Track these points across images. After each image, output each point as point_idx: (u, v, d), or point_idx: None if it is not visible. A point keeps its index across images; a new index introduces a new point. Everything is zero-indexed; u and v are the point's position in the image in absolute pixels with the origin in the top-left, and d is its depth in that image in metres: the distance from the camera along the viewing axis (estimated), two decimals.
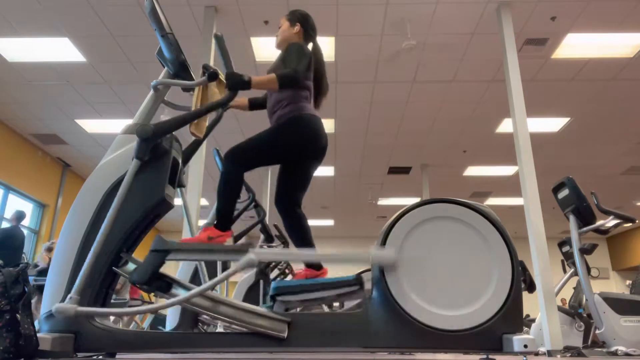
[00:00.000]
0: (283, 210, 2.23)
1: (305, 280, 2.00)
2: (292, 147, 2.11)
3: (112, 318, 3.95)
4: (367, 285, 1.93)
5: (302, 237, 2.19)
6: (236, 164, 2.02)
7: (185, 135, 7.53)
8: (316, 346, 1.73)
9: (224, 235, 1.94)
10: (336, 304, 4.90)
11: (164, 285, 1.77)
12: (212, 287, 1.72)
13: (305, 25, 2.39)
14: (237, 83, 1.89)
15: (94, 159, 9.46)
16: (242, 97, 2.55)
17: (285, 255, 2.00)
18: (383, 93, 7.05)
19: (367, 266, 1.81)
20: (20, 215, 6.18)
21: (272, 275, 4.63)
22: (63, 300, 1.70)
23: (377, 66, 6.40)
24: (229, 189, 2.01)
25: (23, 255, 6.02)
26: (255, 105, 2.51)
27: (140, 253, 1.62)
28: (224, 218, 1.98)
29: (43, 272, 5.39)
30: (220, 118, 2.45)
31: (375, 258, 1.74)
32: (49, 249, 6.04)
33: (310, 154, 2.18)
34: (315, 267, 2.15)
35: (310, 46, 2.38)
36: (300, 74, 2.07)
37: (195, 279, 3.52)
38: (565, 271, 4.61)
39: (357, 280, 1.90)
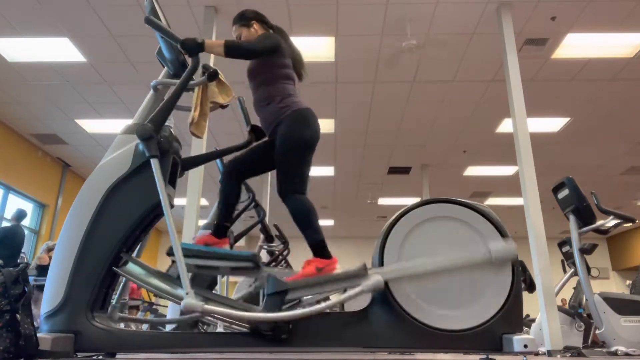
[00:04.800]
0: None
1: (202, 246, 1.97)
2: (312, 143, 2.10)
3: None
4: (264, 269, 1.91)
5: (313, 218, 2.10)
6: (301, 194, 2.00)
7: (185, 135, 7.53)
8: (316, 346, 1.73)
9: (331, 262, 1.91)
10: (325, 303, 4.88)
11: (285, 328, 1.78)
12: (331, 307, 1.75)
13: (260, 18, 2.40)
14: (192, 46, 1.90)
15: (94, 159, 9.45)
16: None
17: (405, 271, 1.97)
18: (383, 93, 7.05)
19: (370, 248, 1.81)
20: (20, 215, 6.17)
21: None
22: (63, 299, 1.70)
23: (377, 66, 6.39)
24: (313, 218, 1.97)
25: (23, 255, 6.01)
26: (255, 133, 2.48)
27: (145, 256, 1.62)
28: (321, 247, 1.94)
29: (43, 271, 5.39)
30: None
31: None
32: (50, 249, 6.04)
33: (315, 146, 2.19)
34: (217, 235, 2.10)
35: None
36: (254, 48, 2.06)
37: (195, 280, 3.52)
38: (565, 271, 4.61)
39: (252, 257, 1.87)
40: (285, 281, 1.78)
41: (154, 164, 1.80)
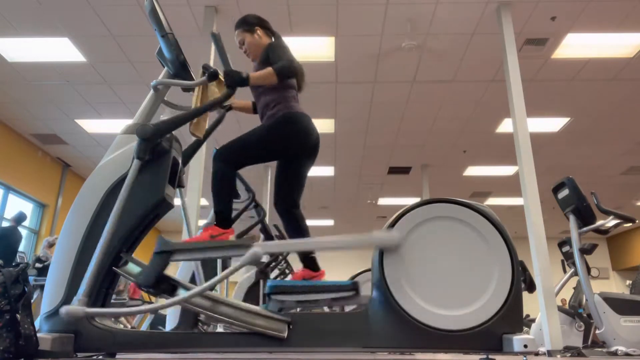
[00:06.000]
0: (282, 212, 2.24)
1: (301, 281, 1.99)
2: (281, 144, 2.11)
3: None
4: (363, 291, 1.92)
5: (301, 237, 2.19)
6: (226, 163, 2.02)
7: (185, 136, 7.53)
8: (316, 346, 1.73)
9: (226, 232, 1.94)
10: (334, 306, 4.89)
11: (169, 287, 1.76)
12: (214, 286, 1.72)
13: (263, 24, 2.40)
14: (235, 80, 1.89)
15: (94, 159, 9.45)
16: (247, 100, 2.55)
17: (288, 246, 1.97)
18: (383, 93, 7.05)
19: (369, 249, 1.80)
20: (20, 217, 6.17)
21: (272, 275, 4.63)
22: (63, 299, 1.70)
23: (377, 66, 6.40)
24: (222, 189, 2.00)
25: (23, 255, 6.01)
26: None
27: (141, 253, 1.62)
28: (222, 217, 1.98)
29: (44, 269, 5.38)
30: (222, 118, 2.45)
31: (378, 241, 1.74)
32: (50, 245, 6.05)
33: (301, 151, 2.19)
34: (312, 268, 2.15)
35: None
36: (295, 64, 2.08)
37: (195, 280, 3.52)
38: (565, 271, 4.61)
39: (353, 285, 1.89)
40: (174, 242, 1.78)
41: (135, 165, 1.82)
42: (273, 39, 2.39)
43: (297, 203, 2.25)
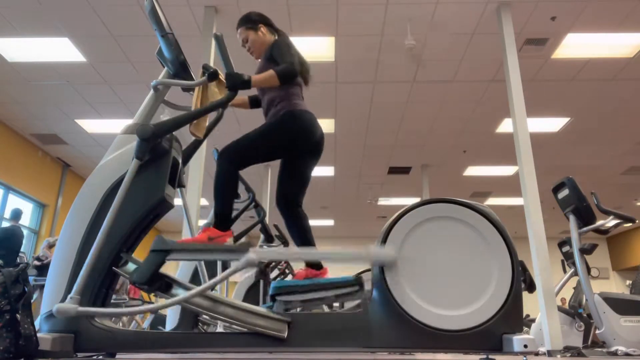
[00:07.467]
0: (284, 210, 2.22)
1: (304, 280, 1.99)
2: (285, 142, 2.10)
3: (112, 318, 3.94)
4: (367, 286, 1.92)
5: (303, 237, 2.18)
6: (230, 163, 2.00)
7: (185, 136, 7.54)
8: (316, 346, 1.73)
9: (224, 235, 1.92)
10: (336, 304, 4.90)
11: (164, 285, 1.76)
12: (212, 287, 1.72)
13: (266, 21, 2.40)
14: (237, 83, 1.88)
15: (94, 159, 9.45)
16: (242, 96, 2.54)
17: (285, 254, 1.98)
18: (383, 93, 7.05)
19: (367, 265, 1.81)
20: (17, 214, 6.17)
21: (272, 275, 4.63)
22: (63, 300, 1.70)
23: (377, 66, 6.40)
24: (225, 189, 1.98)
25: (22, 255, 6.01)
26: (255, 103, 2.50)
27: (141, 253, 1.62)
28: (222, 218, 1.96)
29: (44, 269, 5.38)
30: (221, 117, 2.45)
31: (375, 257, 1.74)
32: (51, 245, 6.05)
33: (305, 149, 2.17)
34: (315, 266, 2.14)
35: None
36: (297, 66, 2.07)
37: (195, 279, 3.52)
38: (565, 271, 4.61)
39: (357, 281, 1.89)
40: (174, 241, 1.79)
41: (133, 164, 1.81)
42: (277, 37, 2.37)
43: (299, 202, 2.23)
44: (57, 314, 1.64)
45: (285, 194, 2.22)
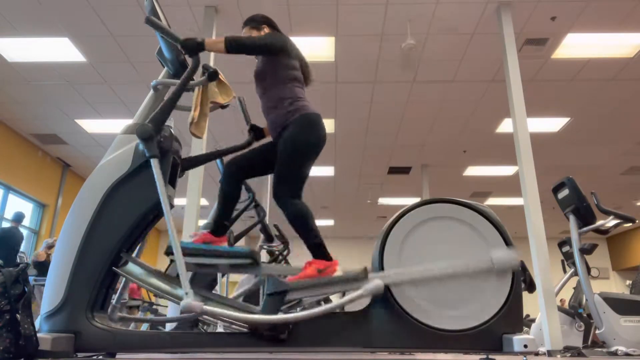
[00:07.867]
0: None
1: (201, 244, 1.96)
2: (316, 149, 2.08)
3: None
4: (262, 262, 1.91)
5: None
6: (293, 198, 1.99)
7: (185, 136, 7.53)
8: (316, 346, 1.73)
9: (332, 264, 1.89)
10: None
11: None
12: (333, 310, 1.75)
13: (271, 23, 2.39)
14: (193, 46, 1.90)
15: (94, 159, 9.45)
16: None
17: (413, 274, 1.94)
18: (383, 93, 7.05)
19: (369, 249, 1.81)
20: (19, 217, 6.19)
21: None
22: (63, 299, 1.70)
23: (377, 66, 6.39)
24: (309, 220, 1.95)
25: (22, 255, 6.02)
26: (256, 130, 2.44)
27: (146, 256, 1.61)
28: (319, 248, 1.93)
29: (44, 269, 5.39)
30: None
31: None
32: (50, 247, 6.05)
33: (319, 152, 2.16)
34: (216, 233, 2.07)
35: None
36: (256, 43, 2.04)
37: (193, 281, 3.51)
38: (565, 271, 4.61)
39: (251, 254, 1.86)
40: (286, 282, 1.77)
41: (154, 164, 1.80)
42: None
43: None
44: (183, 310, 1.65)
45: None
